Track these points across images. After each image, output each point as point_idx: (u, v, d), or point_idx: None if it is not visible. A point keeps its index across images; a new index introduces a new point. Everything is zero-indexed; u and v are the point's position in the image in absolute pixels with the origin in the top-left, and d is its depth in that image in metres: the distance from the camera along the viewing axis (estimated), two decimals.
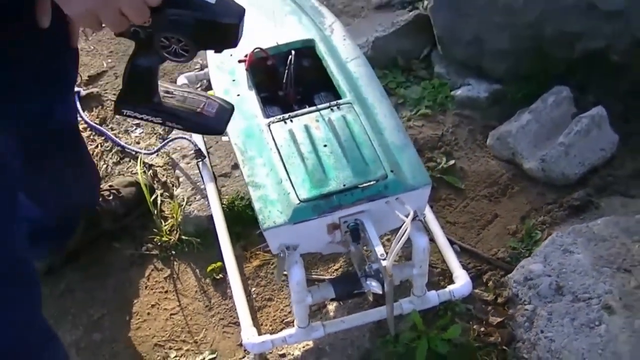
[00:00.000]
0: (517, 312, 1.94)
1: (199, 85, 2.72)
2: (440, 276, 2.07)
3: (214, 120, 1.57)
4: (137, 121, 2.65)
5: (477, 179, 2.37)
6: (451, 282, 2.00)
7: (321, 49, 2.04)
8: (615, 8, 2.42)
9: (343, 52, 2.05)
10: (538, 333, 1.86)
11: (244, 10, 1.37)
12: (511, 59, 2.58)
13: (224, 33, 1.38)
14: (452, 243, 2.13)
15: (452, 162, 2.40)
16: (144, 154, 2.56)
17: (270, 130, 1.81)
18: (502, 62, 2.60)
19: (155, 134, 2.66)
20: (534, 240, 2.15)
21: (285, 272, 1.77)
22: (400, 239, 1.60)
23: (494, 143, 2.43)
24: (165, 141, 2.52)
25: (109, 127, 2.70)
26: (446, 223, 2.22)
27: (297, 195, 1.67)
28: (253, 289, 2.12)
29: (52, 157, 1.91)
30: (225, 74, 2.02)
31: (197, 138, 2.45)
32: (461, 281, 1.98)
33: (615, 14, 2.43)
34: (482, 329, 1.96)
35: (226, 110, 1.59)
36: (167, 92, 1.55)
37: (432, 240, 2.06)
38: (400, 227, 1.62)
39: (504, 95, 2.60)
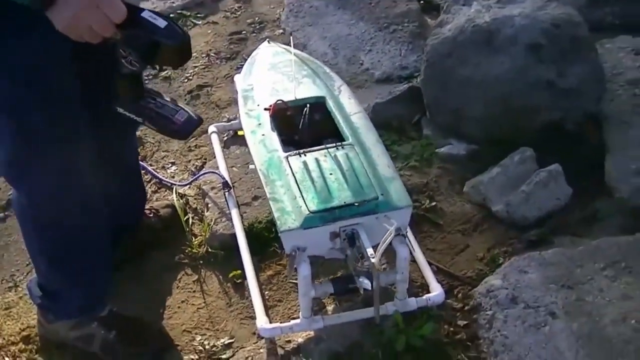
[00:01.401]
0: (480, 317, 2.34)
1: (225, 134, 3.22)
2: (420, 289, 2.47)
3: (179, 127, 1.92)
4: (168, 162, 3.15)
5: (453, 217, 2.77)
6: (428, 292, 2.41)
7: (330, 104, 2.52)
8: (570, 86, 2.83)
9: (348, 107, 2.52)
10: (496, 332, 2.26)
11: (188, 37, 1.68)
12: (485, 125, 2.94)
13: (169, 53, 1.69)
14: (430, 264, 2.52)
15: (434, 203, 2.80)
16: (178, 185, 3.01)
17: (288, 161, 2.29)
18: (478, 127, 2.96)
19: (187, 170, 3.12)
20: (496, 264, 2.53)
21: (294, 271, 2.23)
22: (385, 242, 2.07)
23: (469, 190, 2.83)
24: (197, 175, 2.98)
25: (149, 163, 3.15)
26: (427, 249, 2.63)
27: (307, 208, 2.13)
28: (266, 292, 2.55)
29: (119, 182, 2.39)
30: (253, 118, 2.52)
31: (224, 172, 2.93)
32: (436, 291, 2.40)
33: (570, 91, 2.84)
34: (451, 329, 2.35)
35: (193, 121, 1.95)
36: (152, 99, 1.91)
37: (414, 261, 2.48)
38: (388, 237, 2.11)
39: (478, 154, 2.97)
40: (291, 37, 2.75)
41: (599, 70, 2.96)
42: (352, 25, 3.74)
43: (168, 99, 1.96)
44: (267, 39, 3.07)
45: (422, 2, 3.92)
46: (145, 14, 1.67)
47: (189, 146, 3.28)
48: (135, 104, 1.90)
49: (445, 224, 2.78)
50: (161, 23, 1.66)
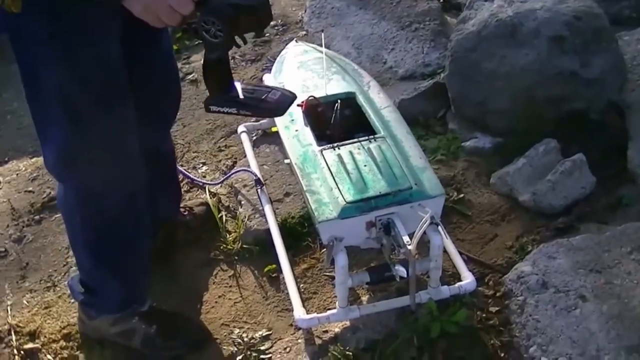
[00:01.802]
0: (511, 302, 2.41)
1: (255, 134, 3.29)
2: (451, 277, 2.53)
3: (275, 105, 1.98)
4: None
5: (481, 208, 2.84)
6: (460, 281, 2.47)
7: (361, 99, 2.60)
8: (593, 76, 2.89)
9: (378, 102, 2.60)
10: (527, 317, 2.31)
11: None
12: (510, 117, 2.99)
13: (250, 15, 1.73)
14: (461, 254, 2.59)
15: (461, 195, 2.87)
16: (210, 184, 3.08)
17: (323, 155, 2.36)
18: (502, 120, 3.02)
19: (218, 170, 3.19)
20: (525, 252, 2.59)
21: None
22: (421, 228, 2.14)
23: (495, 182, 2.89)
24: (230, 173, 3.05)
25: (180, 164, 3.22)
26: (456, 240, 2.69)
27: (344, 198, 2.21)
28: (301, 285, 2.61)
29: (158, 175, 2.46)
30: (286, 115, 2.59)
31: (256, 170, 2.99)
32: (468, 279, 2.47)
33: (593, 80, 2.89)
34: (484, 315, 2.40)
35: (287, 97, 2.02)
36: (241, 89, 1.97)
37: (445, 251, 2.54)
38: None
39: (504, 146, 3.03)
40: (322, 35, 2.81)
41: (620, 61, 3.02)
42: (374, 24, 3.81)
43: (257, 84, 2.00)
44: (295, 39, 3.14)
45: (442, 0, 3.98)
46: None
47: (219, 146, 3.35)
48: (226, 97, 1.95)
49: (473, 215, 2.84)
50: None
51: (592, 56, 2.91)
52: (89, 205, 2.22)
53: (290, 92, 2.07)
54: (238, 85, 1.98)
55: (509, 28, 2.93)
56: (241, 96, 1.97)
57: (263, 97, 1.98)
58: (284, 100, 2.02)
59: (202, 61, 1.91)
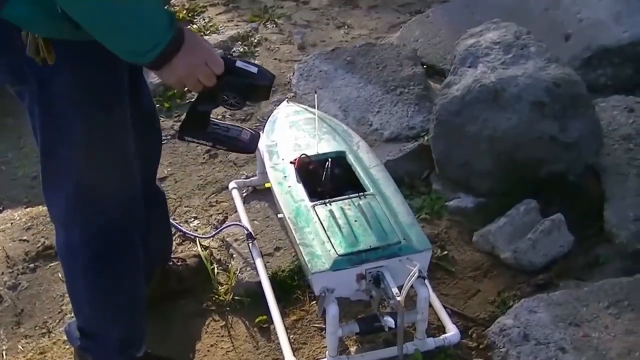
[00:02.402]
0: (494, 354, 2.50)
1: (245, 190, 3.39)
2: (436, 330, 2.63)
3: (247, 144, 2.22)
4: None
5: (464, 265, 2.94)
6: (445, 333, 2.58)
7: (351, 158, 2.72)
8: (571, 140, 3.02)
9: (367, 161, 2.72)
10: None
11: (274, 76, 2.04)
12: (492, 178, 3.11)
13: (262, 91, 2.05)
14: (445, 307, 2.69)
15: (445, 252, 2.98)
16: (202, 238, 3.16)
17: (315, 210, 2.48)
18: (485, 181, 3.14)
19: (209, 224, 3.27)
20: (507, 306, 2.69)
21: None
22: (410, 280, 2.24)
23: (478, 239, 3.00)
24: (221, 227, 3.14)
25: (172, 218, 3.27)
26: (441, 294, 2.79)
27: (335, 251, 2.32)
28: (291, 335, 2.68)
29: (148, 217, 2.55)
30: (279, 172, 2.71)
31: (247, 224, 3.09)
32: (452, 332, 2.58)
33: (571, 144, 3.03)
34: None
35: (256, 137, 2.25)
36: (215, 124, 2.19)
37: (430, 305, 2.65)
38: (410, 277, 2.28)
39: (486, 206, 3.14)
40: (315, 96, 2.94)
41: (596, 126, 3.15)
42: (360, 88, 3.94)
43: (228, 123, 2.25)
44: (287, 99, 3.27)
45: (425, 66, 4.13)
46: (239, 64, 2.02)
47: (210, 202, 3.44)
48: (204, 132, 2.18)
49: (457, 271, 2.95)
50: (253, 69, 2.02)
51: (570, 121, 3.04)
52: (91, 246, 2.30)
53: (257, 132, 2.27)
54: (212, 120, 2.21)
55: (492, 93, 3.06)
56: (219, 132, 2.20)
57: (237, 136, 2.22)
58: (254, 140, 2.25)
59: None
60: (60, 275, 3.07)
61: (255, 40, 4.83)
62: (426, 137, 3.46)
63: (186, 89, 2.03)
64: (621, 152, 3.20)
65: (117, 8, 1.78)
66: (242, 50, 4.70)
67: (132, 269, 2.41)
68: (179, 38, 1.87)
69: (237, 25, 5.06)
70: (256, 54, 4.67)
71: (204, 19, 5.18)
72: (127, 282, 2.42)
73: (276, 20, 5.11)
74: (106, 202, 2.21)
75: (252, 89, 2.05)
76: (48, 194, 2.26)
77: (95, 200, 2.19)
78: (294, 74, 4.29)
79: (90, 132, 2.09)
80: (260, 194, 3.33)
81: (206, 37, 4.75)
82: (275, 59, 4.61)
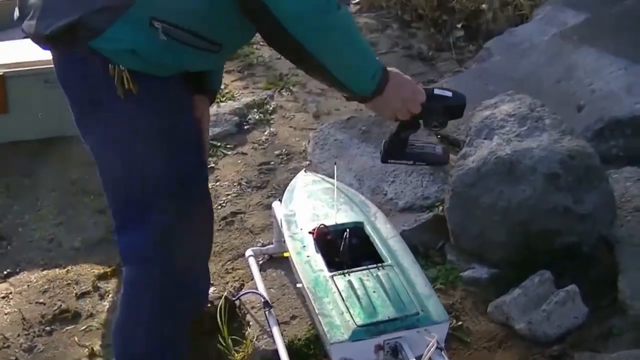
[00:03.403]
0: None
1: (261, 258, 3.43)
2: None
3: (442, 157, 2.60)
4: None
5: (479, 335, 2.95)
6: None
7: (368, 228, 2.76)
8: (585, 212, 3.04)
9: (385, 232, 2.75)
10: None
11: (465, 97, 2.40)
12: (506, 249, 3.13)
13: (459, 110, 2.41)
14: None
15: (460, 323, 2.99)
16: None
17: (334, 280, 2.51)
18: (499, 252, 3.16)
19: (226, 291, 3.28)
20: None
21: None
22: (428, 352, 2.27)
23: (492, 310, 3.02)
24: (239, 294, 3.17)
25: None
26: None
27: (354, 322, 2.34)
28: None
29: None
30: (298, 241, 2.74)
31: (263, 293, 3.12)
32: None
33: (585, 216, 3.05)
34: None
35: (446, 150, 2.62)
36: (411, 145, 2.51)
37: None
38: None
39: (500, 277, 3.16)
40: (335, 167, 2.99)
41: (610, 197, 3.19)
42: (375, 157, 3.97)
43: (420, 140, 2.60)
44: (304, 169, 3.32)
45: (439, 136, 4.19)
46: (436, 91, 2.39)
47: (226, 268, 3.47)
48: (405, 153, 2.52)
49: (472, 342, 2.96)
50: (448, 93, 2.41)
51: (584, 193, 3.08)
52: (165, 287, 2.39)
53: (444, 147, 2.71)
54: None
55: (507, 165, 3.11)
56: (416, 150, 2.55)
57: (432, 152, 2.59)
58: (446, 153, 2.64)
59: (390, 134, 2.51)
60: (76, 339, 3.11)
61: (271, 108, 4.92)
62: (441, 208, 3.50)
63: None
64: (634, 223, 3.23)
65: (355, 39, 2.09)
66: (257, 117, 4.78)
67: (192, 314, 2.46)
68: (385, 68, 2.16)
69: (252, 93, 5.16)
70: (271, 122, 4.75)
71: None
72: (186, 326, 2.46)
73: (291, 88, 5.21)
74: (190, 241, 2.31)
75: (450, 111, 2.40)
76: (126, 229, 2.32)
77: (182, 239, 2.28)
78: (309, 142, 4.36)
79: (170, 167, 2.21)
80: (276, 262, 3.36)
81: (222, 104, 4.84)
82: (291, 126, 4.69)
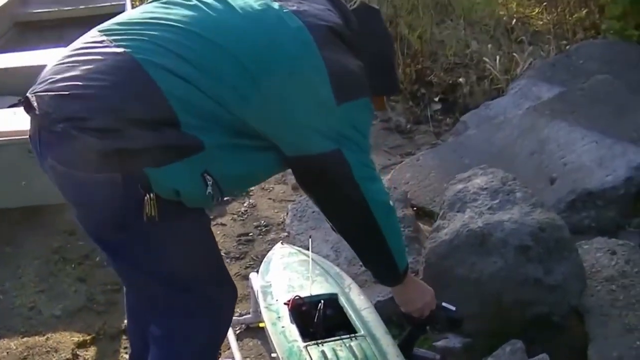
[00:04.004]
0: None
1: (238, 327, 3.47)
2: None
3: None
4: None
5: None
6: None
7: (342, 300, 2.83)
8: (555, 283, 3.11)
9: (358, 303, 2.82)
10: None
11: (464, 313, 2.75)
12: (479, 319, 3.16)
13: (458, 323, 2.76)
14: None
15: None
16: None
17: (308, 351, 2.56)
18: (472, 322, 3.10)
19: None
20: None
21: None
22: None
23: None
24: None
25: None
26: None
27: None
28: None
29: None
30: (273, 312, 2.80)
31: None
32: None
33: (555, 287, 3.12)
34: None
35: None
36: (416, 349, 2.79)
37: None
38: None
39: (473, 346, 3.21)
40: (310, 239, 3.06)
41: (580, 268, 3.26)
42: None
43: (423, 350, 2.91)
44: (281, 241, 3.39)
45: (415, 208, 4.27)
46: (444, 304, 2.70)
47: None
48: (409, 354, 2.72)
49: None
50: (452, 307, 2.71)
51: (554, 264, 3.15)
52: None
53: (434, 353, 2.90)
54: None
55: (479, 238, 3.19)
56: (420, 355, 2.82)
57: (432, 357, 2.83)
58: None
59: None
60: None
61: None
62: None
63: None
64: (604, 293, 3.29)
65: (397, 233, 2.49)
66: None
67: None
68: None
69: None
70: (251, 194, 4.81)
71: None
72: None
73: None
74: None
75: (451, 322, 2.74)
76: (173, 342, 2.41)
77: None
78: (287, 214, 4.42)
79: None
80: (253, 331, 3.42)
81: None
82: (270, 198, 4.76)
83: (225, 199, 2.25)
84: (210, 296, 2.34)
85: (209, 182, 2.10)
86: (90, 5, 6.50)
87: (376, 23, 2.52)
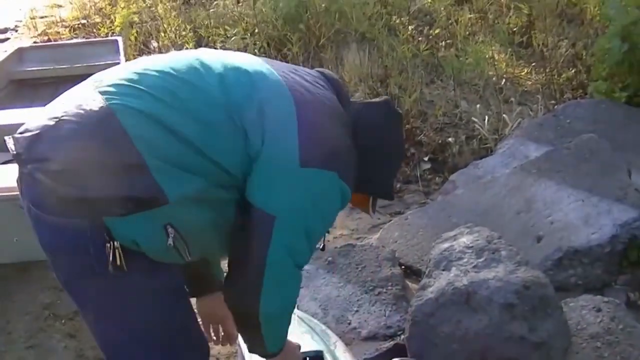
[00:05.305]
0: None
1: None
2: None
3: None
4: None
5: None
6: None
7: (328, 358, 2.85)
8: (540, 340, 3.13)
9: None
10: None
11: None
12: None
13: None
14: None
15: None
16: None
17: None
18: None
19: None
20: None
21: None
22: None
23: None
24: None
25: None
26: None
27: None
28: None
29: None
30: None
31: None
32: None
33: (540, 344, 3.14)
34: None
35: None
36: None
37: None
38: None
39: None
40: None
41: (564, 326, 3.29)
42: (340, 287, 4.07)
43: None
44: None
45: (403, 267, 4.30)
46: None
47: None
48: None
49: None
50: None
51: (539, 322, 3.17)
52: None
53: None
54: None
55: (464, 296, 3.21)
56: None
57: None
58: None
59: None
60: None
61: None
62: (402, 336, 3.57)
63: None
64: (589, 350, 3.31)
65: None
66: None
67: None
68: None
69: None
70: None
71: None
72: None
73: None
74: None
75: None
76: None
77: None
78: None
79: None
80: None
81: None
82: None
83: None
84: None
85: (170, 234, 2.08)
86: (86, 64, 6.57)
87: (392, 123, 2.45)
